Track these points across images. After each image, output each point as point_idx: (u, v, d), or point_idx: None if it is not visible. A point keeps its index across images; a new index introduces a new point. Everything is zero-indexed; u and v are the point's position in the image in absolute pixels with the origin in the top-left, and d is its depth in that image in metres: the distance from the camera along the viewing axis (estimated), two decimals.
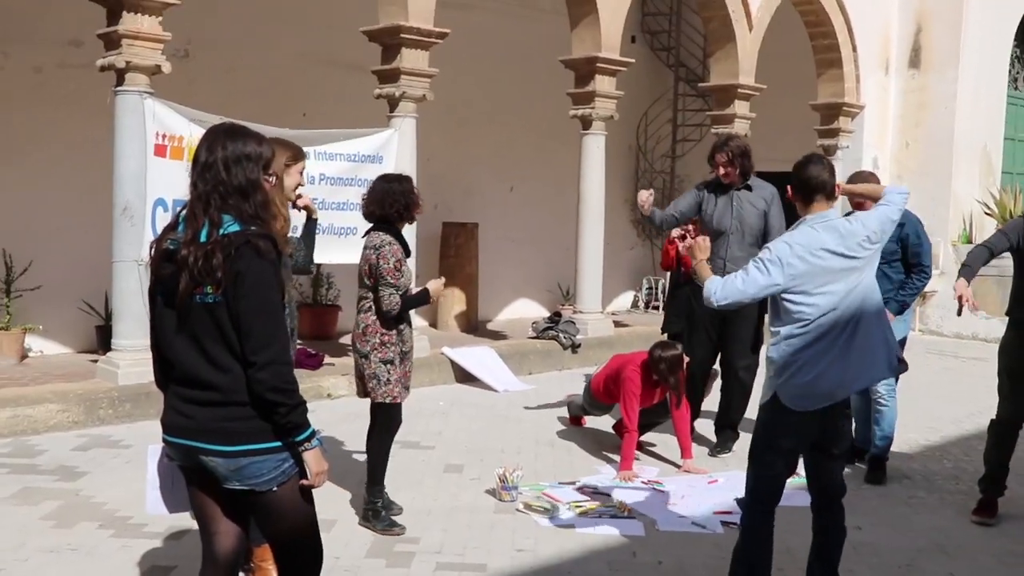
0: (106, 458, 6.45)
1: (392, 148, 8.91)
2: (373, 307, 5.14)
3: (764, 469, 4.13)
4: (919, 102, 14.12)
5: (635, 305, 14.97)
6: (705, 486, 6.15)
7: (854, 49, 13.62)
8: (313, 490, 3.07)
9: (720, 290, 4.06)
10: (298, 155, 4.38)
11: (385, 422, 5.28)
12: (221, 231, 2.88)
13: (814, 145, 13.72)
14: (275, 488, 2.97)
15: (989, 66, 14.20)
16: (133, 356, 7.53)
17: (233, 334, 2.88)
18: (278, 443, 2.94)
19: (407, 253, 5.20)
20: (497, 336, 11.24)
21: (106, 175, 7.71)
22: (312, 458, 2.98)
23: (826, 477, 4.22)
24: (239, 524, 3.15)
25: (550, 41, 11.58)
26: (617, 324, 11.85)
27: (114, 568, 4.58)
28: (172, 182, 7.49)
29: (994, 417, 5.74)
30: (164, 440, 3.07)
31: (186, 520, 5.04)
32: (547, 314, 12.15)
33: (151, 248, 3.06)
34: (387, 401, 5.19)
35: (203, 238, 2.88)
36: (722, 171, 6.76)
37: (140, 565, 4.63)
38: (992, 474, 5.72)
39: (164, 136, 7.48)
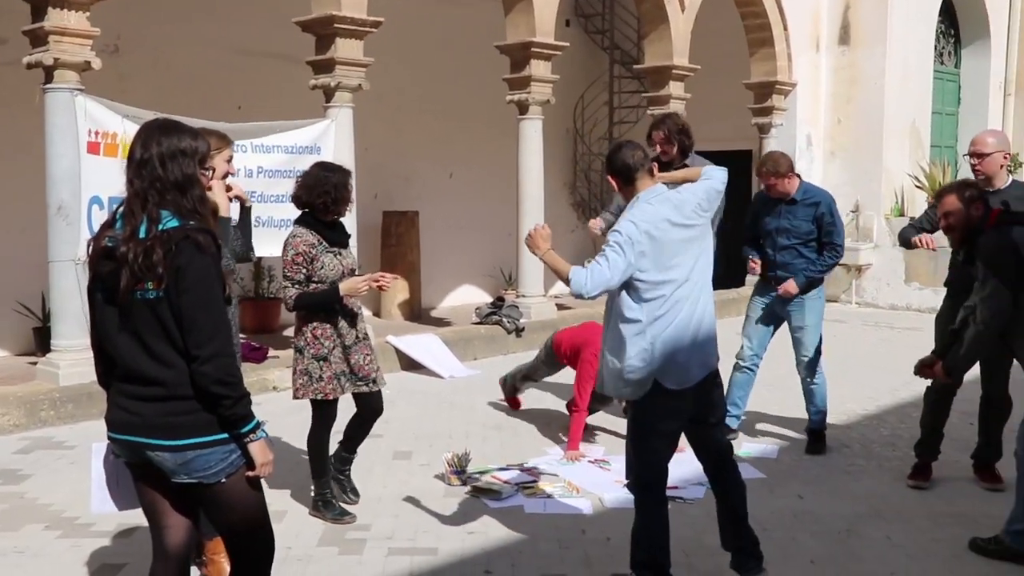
0: (50, 460, 6.39)
1: (329, 139, 8.90)
2: None
3: (651, 455, 4.18)
4: (850, 78, 14.37)
5: None
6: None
7: (785, 28, 13.82)
8: (262, 480, 3.10)
9: (590, 281, 4.03)
10: (223, 143, 4.29)
11: (318, 417, 5.25)
12: (160, 227, 2.89)
13: (748, 123, 13.94)
14: (223, 480, 3.00)
15: (916, 41, 14.49)
16: (74, 356, 7.44)
17: (175, 329, 2.89)
18: (224, 435, 2.97)
19: (340, 244, 5.16)
20: (441, 323, 11.27)
21: (39, 174, 7.58)
22: (258, 449, 3.01)
23: (711, 444, 4.34)
24: (189, 517, 3.17)
25: (485, 27, 11.61)
26: (560, 307, 11.92)
27: (63, 568, 4.56)
28: (107, 180, 7.41)
29: (929, 384, 5.92)
30: (109, 437, 3.08)
31: (134, 517, 5.01)
32: (490, 299, 12.20)
33: (89, 246, 3.05)
34: (318, 398, 5.14)
35: (142, 234, 2.88)
36: (659, 148, 6.77)
37: (89, 564, 4.61)
38: (927, 439, 5.89)
39: (97, 133, 7.40)
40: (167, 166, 2.94)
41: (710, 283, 4.24)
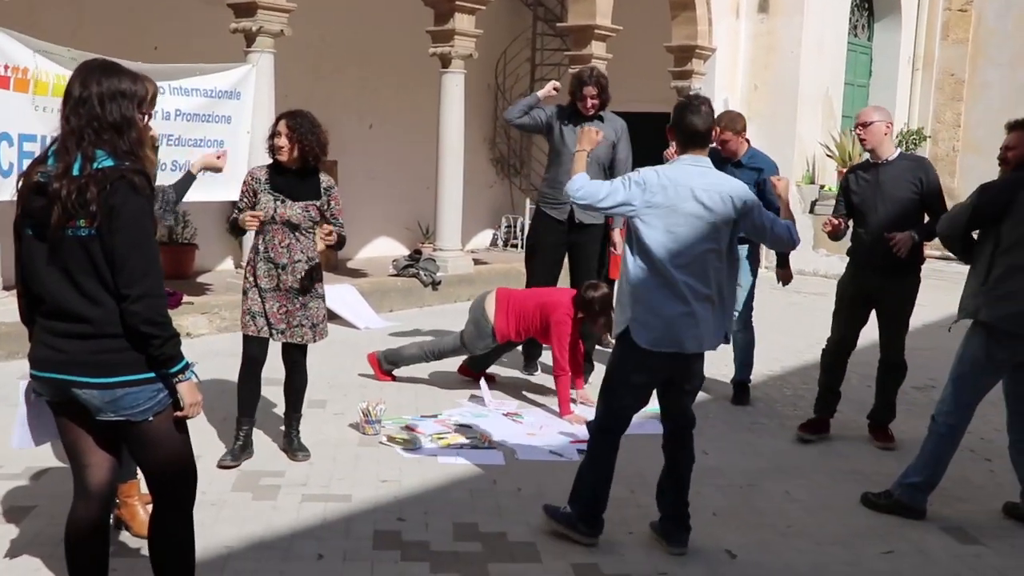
0: None
1: (250, 84, 8.78)
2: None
3: (615, 401, 4.31)
4: (768, 46, 14.60)
5: (494, 243, 15.15)
6: (561, 418, 6.38)
7: None
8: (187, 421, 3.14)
9: (585, 188, 4.21)
10: (155, 93, 4.28)
11: (243, 351, 5.36)
12: (95, 165, 2.88)
13: (668, 87, 14.08)
14: (151, 418, 3.03)
15: (832, 13, 14.79)
16: None
17: (106, 268, 2.89)
18: (153, 374, 2.99)
19: (286, 194, 5.16)
20: (357, 274, 11.24)
21: None
22: (186, 389, 3.05)
23: (677, 411, 4.42)
24: (112, 455, 3.19)
25: None
26: (476, 262, 12.01)
27: None
28: (17, 116, 7.22)
29: (824, 347, 6.19)
30: (32, 375, 3.06)
31: (46, 459, 5.00)
32: (407, 252, 12.21)
33: (18, 181, 3.02)
34: (240, 330, 5.33)
35: (76, 172, 2.87)
36: (590, 103, 6.87)
37: None
38: (822, 398, 6.19)
39: (7, 67, 7.16)
40: (106, 106, 2.93)
41: (726, 291, 4.22)
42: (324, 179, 5.31)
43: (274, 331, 5.24)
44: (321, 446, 5.60)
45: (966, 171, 15.97)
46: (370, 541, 4.35)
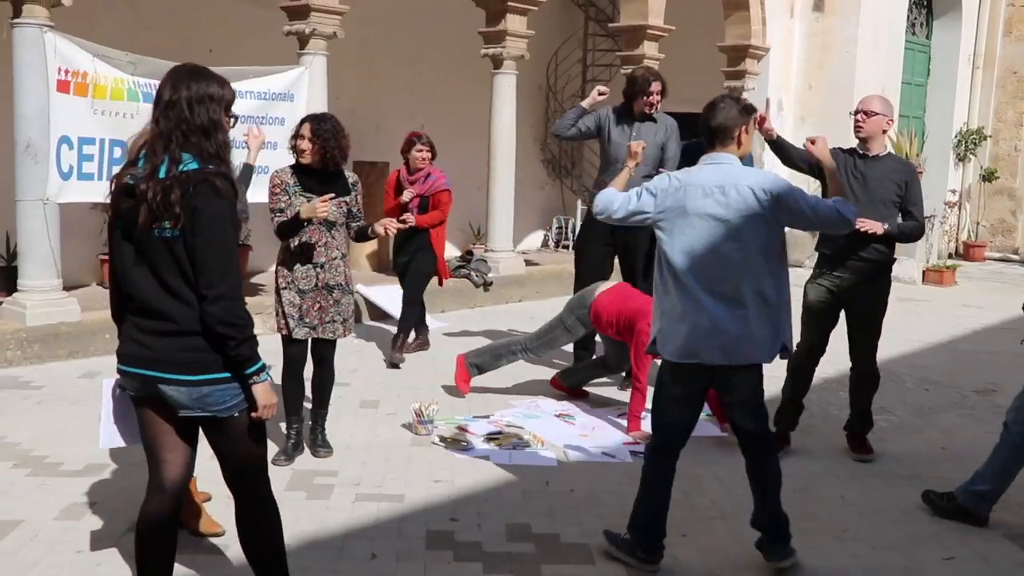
0: (16, 399, 6.38)
1: (303, 86, 8.86)
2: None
3: (660, 416, 4.19)
4: (822, 45, 14.43)
5: (545, 244, 15.14)
6: (613, 418, 6.36)
7: None
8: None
9: (602, 202, 4.19)
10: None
11: (283, 354, 5.42)
12: (180, 168, 2.96)
13: (721, 87, 13.96)
14: (236, 414, 3.10)
15: (889, 11, 14.57)
16: (41, 297, 7.40)
17: (190, 268, 2.96)
18: None
19: (316, 192, 5.17)
20: None
21: (5, 112, 7.50)
22: (261, 391, 3.10)
23: (735, 423, 4.24)
24: (189, 451, 3.26)
25: None
26: (528, 263, 12.00)
27: (33, 505, 4.59)
28: (77, 119, 7.37)
29: (794, 350, 5.99)
30: (120, 371, 3.14)
31: (104, 458, 5.08)
32: (459, 253, 12.24)
33: (111, 184, 3.12)
34: (276, 332, 5.41)
35: (162, 174, 2.96)
36: (655, 99, 6.90)
37: (59, 502, 4.64)
38: (783, 408, 5.85)
39: (67, 72, 7.31)
40: (194, 109, 3.01)
41: (770, 294, 3.95)
42: (350, 176, 5.41)
43: (307, 328, 5.31)
44: (374, 446, 5.63)
45: None
46: (423, 541, 4.36)
